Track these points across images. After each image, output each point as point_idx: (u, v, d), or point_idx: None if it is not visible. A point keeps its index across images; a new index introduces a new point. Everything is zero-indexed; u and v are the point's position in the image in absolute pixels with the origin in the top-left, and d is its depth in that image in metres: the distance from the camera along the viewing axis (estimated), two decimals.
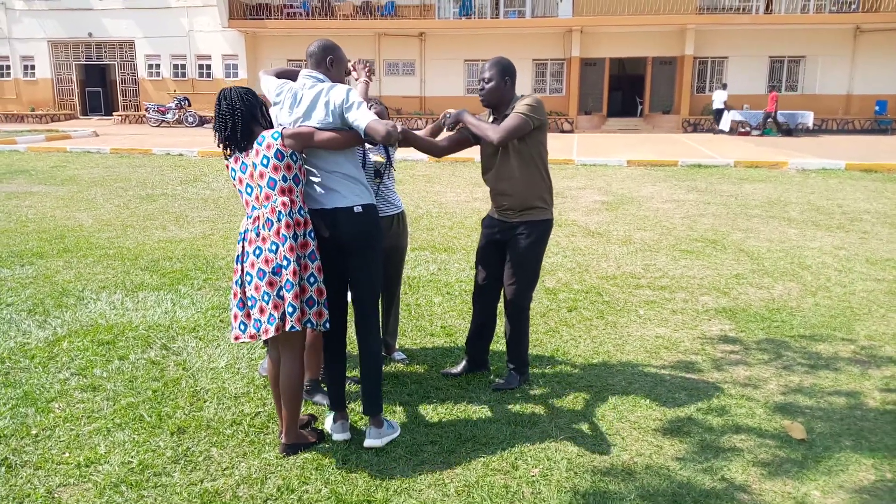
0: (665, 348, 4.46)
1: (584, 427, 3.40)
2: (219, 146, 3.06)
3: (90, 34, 28.21)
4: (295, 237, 2.99)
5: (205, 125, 25.55)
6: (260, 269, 2.98)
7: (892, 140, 20.08)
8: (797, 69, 24.91)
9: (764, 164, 14.11)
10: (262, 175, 2.99)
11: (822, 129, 23.19)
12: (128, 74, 28.97)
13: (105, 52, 28.88)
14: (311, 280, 3.04)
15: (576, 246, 7.26)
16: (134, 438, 3.23)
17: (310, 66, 3.18)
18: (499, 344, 4.29)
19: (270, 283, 2.96)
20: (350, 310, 3.32)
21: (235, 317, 3.08)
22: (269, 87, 3.20)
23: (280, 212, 2.97)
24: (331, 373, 3.25)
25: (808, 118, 21.53)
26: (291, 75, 3.28)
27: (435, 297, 5.44)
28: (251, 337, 3.06)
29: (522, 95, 3.64)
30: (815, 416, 3.53)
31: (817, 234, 7.85)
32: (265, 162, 2.98)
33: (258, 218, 3.01)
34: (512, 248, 3.76)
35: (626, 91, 27.49)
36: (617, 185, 11.69)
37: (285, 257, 2.95)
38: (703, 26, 23.95)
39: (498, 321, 4.10)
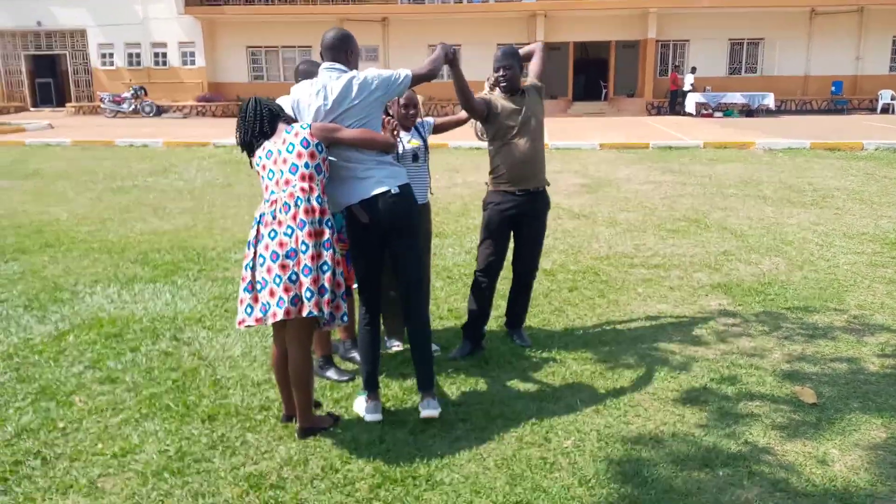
0: (670, 323, 4.59)
1: (608, 400, 3.50)
2: (239, 147, 3.16)
3: (39, 23, 27.27)
4: (312, 223, 2.99)
5: (162, 115, 25.00)
6: (274, 251, 2.96)
7: (850, 119, 20.73)
8: (756, 51, 25.47)
9: (732, 145, 14.46)
10: (284, 160, 3.02)
11: (781, 109, 23.79)
12: (80, 64, 28.13)
13: (55, 41, 27.98)
14: (324, 268, 3.00)
15: (564, 228, 7.37)
16: (165, 427, 3.21)
17: (327, 59, 3.19)
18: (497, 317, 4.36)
19: (283, 266, 2.94)
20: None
21: (241, 301, 3.05)
22: (285, 104, 3.35)
23: (298, 197, 2.98)
24: (366, 355, 3.27)
25: (770, 99, 22.07)
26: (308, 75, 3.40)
27: (436, 282, 5.48)
28: (256, 321, 2.99)
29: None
30: (822, 381, 3.70)
31: (793, 212, 8.10)
32: (290, 148, 3.01)
33: (275, 202, 3.01)
34: (531, 219, 4.03)
35: (589, 75, 27.75)
36: (593, 169, 11.85)
37: (303, 242, 2.95)
38: (665, 10, 24.31)
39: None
